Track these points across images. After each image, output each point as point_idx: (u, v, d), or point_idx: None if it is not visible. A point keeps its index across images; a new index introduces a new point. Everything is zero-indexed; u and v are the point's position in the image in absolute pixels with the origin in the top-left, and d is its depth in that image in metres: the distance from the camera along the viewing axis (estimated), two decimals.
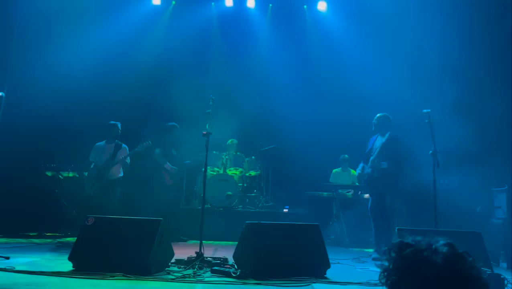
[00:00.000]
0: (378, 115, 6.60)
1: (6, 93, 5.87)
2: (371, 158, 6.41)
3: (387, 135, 6.44)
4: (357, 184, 8.49)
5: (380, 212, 6.34)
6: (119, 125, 7.15)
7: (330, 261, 4.72)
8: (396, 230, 4.63)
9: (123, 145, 7.11)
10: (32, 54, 8.38)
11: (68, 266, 4.35)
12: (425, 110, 5.69)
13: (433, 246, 1.19)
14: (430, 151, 5.53)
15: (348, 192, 8.42)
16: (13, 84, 7.67)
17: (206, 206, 7.91)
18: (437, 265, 1.13)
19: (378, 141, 6.57)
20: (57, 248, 6.32)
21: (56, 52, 8.27)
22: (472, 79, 7.95)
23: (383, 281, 1.22)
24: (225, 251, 6.37)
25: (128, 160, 7.08)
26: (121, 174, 7.14)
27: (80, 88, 8.47)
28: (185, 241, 7.41)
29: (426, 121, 5.62)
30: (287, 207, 8.82)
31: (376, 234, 6.40)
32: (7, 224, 7.46)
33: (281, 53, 9.71)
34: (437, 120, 5.71)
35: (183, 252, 5.51)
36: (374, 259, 5.96)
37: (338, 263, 5.53)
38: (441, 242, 1.20)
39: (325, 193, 8.52)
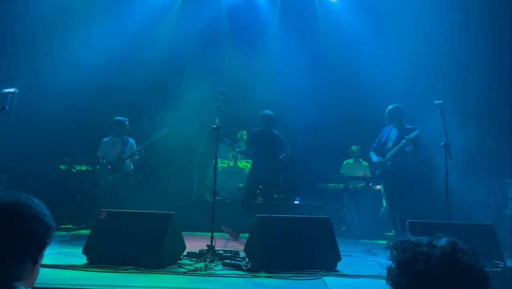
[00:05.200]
0: (389, 107, 6.54)
1: (19, 89, 5.96)
2: (390, 152, 6.42)
3: (406, 127, 6.43)
4: (369, 175, 8.45)
5: (399, 204, 6.38)
6: (127, 122, 7.19)
7: (341, 253, 4.73)
8: (407, 223, 4.60)
9: (130, 139, 7.15)
10: (43, 50, 8.41)
11: (82, 259, 4.42)
12: (437, 101, 5.59)
13: (434, 242, 1.19)
14: (442, 143, 5.46)
15: (359, 183, 8.38)
16: (26, 80, 7.75)
17: (217, 198, 7.95)
18: (435, 257, 1.13)
19: (394, 133, 6.53)
20: (72, 240, 6.41)
21: (66, 48, 8.31)
22: (483, 70, 7.81)
23: (387, 278, 1.23)
24: (237, 243, 6.43)
25: (143, 153, 7.08)
26: (132, 167, 7.20)
27: (91, 83, 8.50)
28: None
29: (438, 112, 5.53)
30: (298, 199, 8.82)
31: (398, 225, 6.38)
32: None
33: (291, 44, 9.62)
34: (448, 112, 5.63)
35: (195, 244, 5.56)
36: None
37: (349, 255, 5.53)
38: (444, 239, 1.20)
39: (336, 185, 8.49)
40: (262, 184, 7.20)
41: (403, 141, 6.12)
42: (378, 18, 9.09)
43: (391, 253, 1.26)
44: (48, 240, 1.35)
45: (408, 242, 1.22)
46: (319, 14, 10.07)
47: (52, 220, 1.37)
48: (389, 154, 6.38)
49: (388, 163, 6.40)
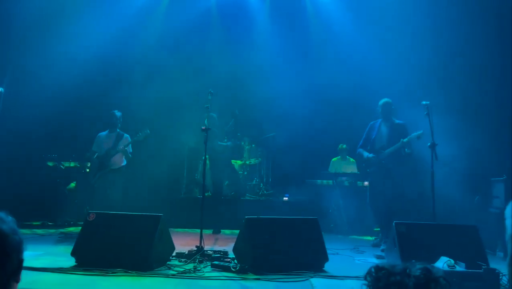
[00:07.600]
0: (382, 101, 6.54)
1: (7, 87, 5.89)
2: (379, 145, 6.45)
3: (396, 122, 6.49)
4: (356, 172, 8.51)
5: (390, 201, 6.41)
6: (116, 113, 7.05)
7: (329, 251, 4.81)
8: (393, 224, 4.66)
9: (125, 135, 7.03)
10: (30, 47, 8.30)
11: (70, 261, 4.42)
12: (424, 102, 5.62)
13: (407, 270, 1.20)
14: (429, 144, 5.50)
15: (347, 180, 8.44)
16: (13, 76, 7.63)
17: (206, 194, 7.98)
18: (408, 288, 1.14)
19: (384, 129, 6.54)
20: (60, 239, 6.40)
21: (54, 44, 8.18)
22: (470, 67, 7.87)
23: None
24: (226, 241, 6.45)
25: (130, 149, 7.05)
26: (123, 163, 7.11)
27: (79, 79, 8.38)
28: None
29: (425, 113, 5.57)
30: (287, 195, 8.86)
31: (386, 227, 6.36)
32: (11, 214, 7.52)
33: (281, 42, 9.57)
34: (435, 111, 5.66)
35: (184, 243, 5.60)
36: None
37: (337, 254, 5.61)
38: (418, 266, 1.22)
39: (324, 181, 8.55)
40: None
41: (405, 140, 6.17)
42: (369, 14, 9.06)
43: (365, 278, 1.27)
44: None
45: (383, 271, 1.23)
46: (309, 10, 10.01)
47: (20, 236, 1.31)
48: (387, 152, 6.37)
49: (382, 161, 6.43)
